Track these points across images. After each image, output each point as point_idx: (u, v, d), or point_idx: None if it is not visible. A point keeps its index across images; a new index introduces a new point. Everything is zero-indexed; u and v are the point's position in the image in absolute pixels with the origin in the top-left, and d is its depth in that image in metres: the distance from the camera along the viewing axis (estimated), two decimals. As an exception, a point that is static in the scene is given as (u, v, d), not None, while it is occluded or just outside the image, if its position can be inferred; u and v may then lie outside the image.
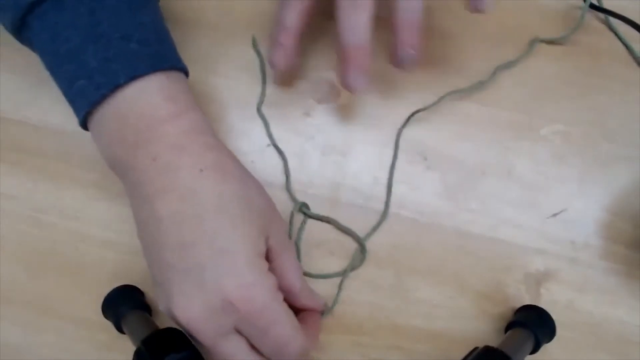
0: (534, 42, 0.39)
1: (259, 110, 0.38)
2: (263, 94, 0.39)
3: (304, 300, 0.32)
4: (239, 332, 0.28)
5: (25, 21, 0.29)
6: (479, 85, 0.38)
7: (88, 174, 0.37)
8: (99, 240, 0.36)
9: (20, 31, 0.31)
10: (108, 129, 0.29)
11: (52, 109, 0.39)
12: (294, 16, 0.33)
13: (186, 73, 0.32)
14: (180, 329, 0.29)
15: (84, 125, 0.30)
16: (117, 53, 0.28)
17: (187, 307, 0.27)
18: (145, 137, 0.28)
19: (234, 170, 0.30)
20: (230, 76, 0.39)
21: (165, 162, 0.28)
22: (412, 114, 0.38)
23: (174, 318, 0.28)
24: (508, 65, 0.39)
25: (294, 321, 0.29)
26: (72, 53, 0.29)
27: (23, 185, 0.37)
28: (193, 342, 0.29)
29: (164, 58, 0.30)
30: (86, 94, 0.29)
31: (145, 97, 0.29)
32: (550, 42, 0.39)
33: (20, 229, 0.37)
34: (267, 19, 0.40)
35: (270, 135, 0.38)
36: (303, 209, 0.36)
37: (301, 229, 0.36)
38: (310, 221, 0.37)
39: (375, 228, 0.36)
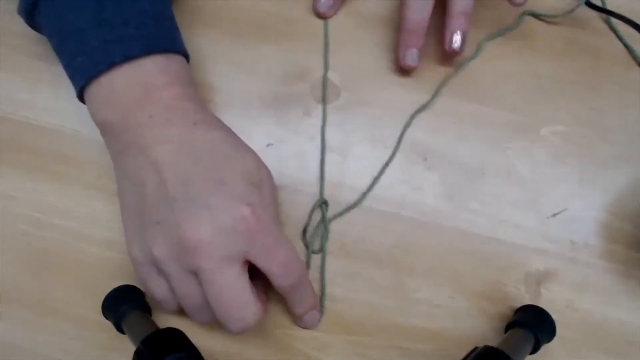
0: (523, 15, 0.40)
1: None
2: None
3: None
4: (245, 261, 0.29)
5: (38, 5, 0.33)
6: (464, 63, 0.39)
7: (87, 174, 0.37)
8: (99, 240, 0.36)
9: (33, 15, 0.33)
10: (104, 96, 0.31)
11: (52, 109, 0.39)
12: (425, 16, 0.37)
13: (186, 56, 0.34)
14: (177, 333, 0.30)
15: (81, 97, 0.33)
16: (117, 36, 0.31)
17: (196, 228, 0.28)
18: (140, 101, 0.31)
19: (223, 124, 0.33)
20: (230, 76, 0.39)
21: (160, 119, 0.31)
22: (417, 111, 0.38)
23: (182, 245, 0.28)
24: (494, 35, 0.40)
25: (292, 246, 0.31)
26: (76, 33, 0.31)
27: (23, 185, 0.37)
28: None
29: (159, 41, 0.32)
30: (85, 69, 0.31)
31: (141, 70, 0.31)
32: (540, 17, 0.40)
33: (20, 229, 0.37)
34: (267, 19, 0.40)
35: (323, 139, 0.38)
36: (323, 207, 0.36)
37: (318, 227, 0.37)
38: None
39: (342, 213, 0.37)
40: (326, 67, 0.39)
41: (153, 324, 0.32)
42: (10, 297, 0.36)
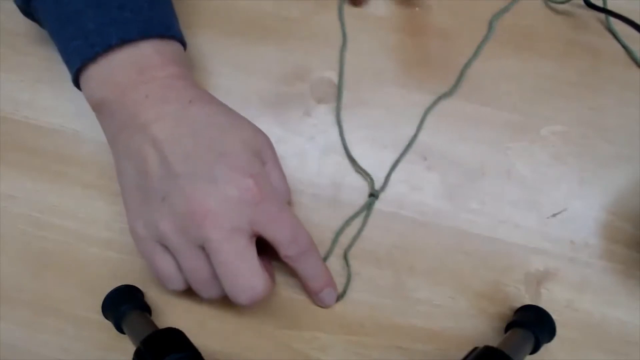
0: None
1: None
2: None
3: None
4: (253, 234, 0.30)
5: None
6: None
7: (87, 174, 0.37)
8: (99, 240, 0.36)
9: (29, 1, 0.33)
10: (100, 77, 0.32)
11: (52, 109, 0.39)
12: None
13: (182, 43, 0.35)
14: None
15: (76, 82, 0.33)
16: (113, 19, 0.31)
17: (203, 200, 0.29)
18: (136, 80, 0.31)
19: (217, 100, 0.33)
20: (230, 76, 0.39)
21: (157, 97, 0.31)
22: (437, 99, 0.38)
23: (189, 218, 0.29)
24: (501, 12, 0.40)
25: (296, 216, 0.32)
26: (72, 16, 0.31)
27: (23, 185, 0.37)
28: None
29: (155, 26, 0.32)
30: (81, 51, 0.31)
31: (137, 52, 0.32)
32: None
33: (20, 229, 0.37)
34: (267, 19, 0.40)
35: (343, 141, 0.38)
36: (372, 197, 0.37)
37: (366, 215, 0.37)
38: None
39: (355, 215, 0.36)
40: (342, 64, 0.39)
41: (153, 324, 0.32)
42: (10, 297, 0.36)
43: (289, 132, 0.38)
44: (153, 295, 0.36)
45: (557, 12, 0.41)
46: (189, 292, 0.35)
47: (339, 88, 0.39)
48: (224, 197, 0.29)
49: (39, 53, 0.39)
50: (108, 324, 0.33)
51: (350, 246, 0.36)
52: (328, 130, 0.38)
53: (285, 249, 0.31)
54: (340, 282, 0.36)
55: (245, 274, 0.29)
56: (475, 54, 0.39)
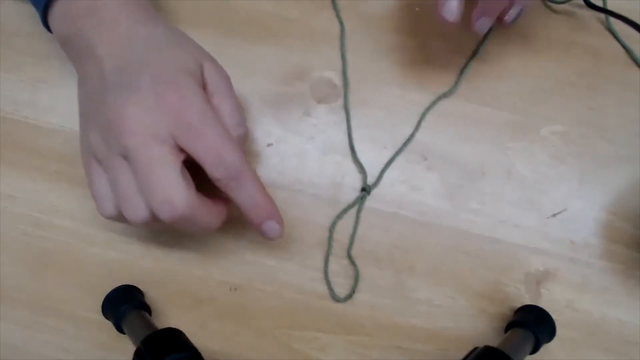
0: None
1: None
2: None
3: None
4: (178, 148, 0.29)
5: None
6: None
7: (88, 174, 0.37)
8: (99, 240, 0.36)
9: None
10: (61, 12, 0.33)
11: (52, 109, 0.39)
12: None
13: None
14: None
15: (46, 23, 0.34)
16: None
17: (122, 108, 0.28)
18: (91, 8, 0.32)
19: (166, 22, 0.33)
20: (230, 76, 0.39)
21: (107, 21, 0.31)
22: (437, 99, 0.38)
23: (110, 127, 0.28)
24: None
25: (229, 136, 0.30)
26: None
27: (23, 185, 0.37)
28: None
29: None
30: None
31: None
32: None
33: (20, 229, 0.37)
34: (267, 19, 0.40)
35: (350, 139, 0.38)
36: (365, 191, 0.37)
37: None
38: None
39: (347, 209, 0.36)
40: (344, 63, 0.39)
41: (153, 324, 0.32)
42: (10, 297, 0.36)
43: (289, 132, 0.38)
44: (153, 295, 0.36)
45: (557, 12, 0.41)
46: (189, 292, 0.35)
47: (344, 74, 0.39)
48: (143, 105, 0.29)
49: (39, 53, 0.39)
50: (108, 324, 0.33)
51: (350, 244, 0.36)
52: (328, 130, 0.38)
53: (211, 169, 0.29)
54: (345, 282, 0.36)
55: (161, 185, 0.28)
56: (475, 54, 0.39)
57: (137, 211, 0.29)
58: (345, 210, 0.37)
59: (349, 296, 0.35)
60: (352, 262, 0.36)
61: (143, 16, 0.32)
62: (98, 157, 0.30)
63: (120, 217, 0.30)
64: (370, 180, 0.37)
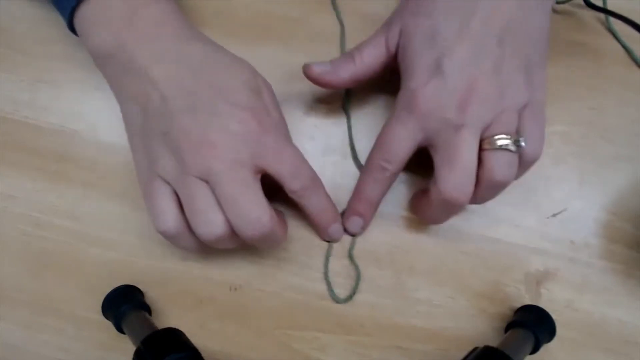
0: None
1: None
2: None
3: None
4: (256, 170, 0.30)
5: None
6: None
7: (88, 174, 0.37)
8: (99, 240, 0.36)
9: None
10: (92, 18, 0.32)
11: (52, 109, 0.39)
12: (378, 190, 0.34)
13: None
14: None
15: (71, 26, 0.33)
16: None
17: (206, 133, 0.29)
18: (129, 18, 0.31)
19: (212, 40, 0.34)
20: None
21: (152, 36, 0.31)
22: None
23: (192, 150, 0.29)
24: None
25: (299, 150, 0.32)
26: None
27: (23, 185, 0.37)
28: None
29: None
30: None
31: None
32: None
33: (20, 229, 0.37)
34: (267, 19, 0.40)
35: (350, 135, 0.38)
36: None
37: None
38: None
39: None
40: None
41: (153, 324, 0.32)
42: (10, 297, 0.36)
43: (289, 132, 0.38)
44: (153, 295, 0.36)
45: (557, 12, 0.41)
46: (189, 292, 0.35)
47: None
48: (226, 130, 0.30)
49: (39, 53, 0.39)
50: (108, 324, 0.33)
51: (352, 245, 0.36)
52: (328, 130, 0.38)
53: (290, 183, 0.31)
54: (345, 282, 0.36)
55: (250, 204, 0.29)
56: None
57: (214, 226, 0.30)
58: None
59: (349, 297, 0.35)
60: (354, 262, 0.36)
61: (187, 33, 0.32)
62: (168, 178, 0.30)
63: (176, 233, 0.31)
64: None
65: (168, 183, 0.30)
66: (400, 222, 0.37)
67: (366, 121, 0.38)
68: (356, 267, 0.36)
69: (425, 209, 0.34)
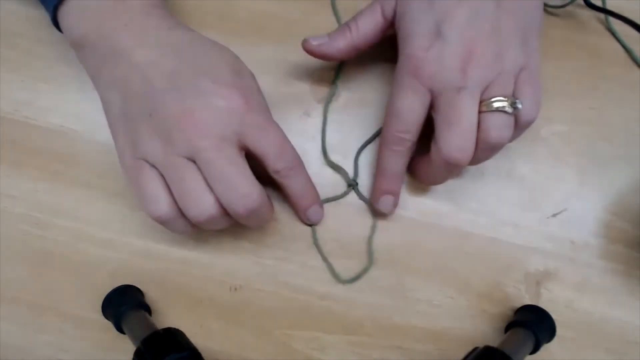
0: None
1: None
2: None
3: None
4: (241, 147, 0.30)
5: None
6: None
7: (88, 174, 0.37)
8: (99, 240, 0.36)
9: None
10: (77, 10, 0.32)
11: (52, 109, 0.39)
12: (402, 163, 0.34)
13: None
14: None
15: (55, 20, 0.33)
16: None
17: (191, 111, 0.29)
18: (114, 10, 0.32)
19: (194, 29, 0.33)
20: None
21: (136, 25, 0.31)
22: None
23: (178, 128, 0.29)
24: None
25: (280, 128, 0.32)
26: None
27: (23, 185, 0.37)
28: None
29: None
30: None
31: None
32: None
33: (20, 228, 0.37)
34: (267, 19, 0.40)
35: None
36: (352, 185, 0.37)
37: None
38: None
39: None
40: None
41: (153, 324, 0.32)
42: (10, 297, 0.36)
43: (289, 132, 0.38)
44: (153, 295, 0.36)
45: (557, 12, 0.41)
46: (189, 292, 0.35)
47: (336, 76, 0.39)
48: (210, 107, 0.29)
49: (39, 53, 0.39)
50: (108, 324, 0.33)
51: (372, 233, 0.36)
52: (328, 130, 0.38)
53: (273, 163, 0.31)
54: (350, 269, 0.36)
55: (239, 181, 0.29)
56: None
57: (206, 207, 0.29)
58: (328, 200, 0.37)
59: (354, 279, 0.35)
60: (370, 251, 0.36)
61: (171, 22, 0.33)
62: (153, 160, 0.30)
63: (171, 218, 0.30)
64: (367, 183, 0.37)
65: (154, 166, 0.30)
66: (400, 222, 0.37)
67: (367, 121, 0.38)
68: (371, 254, 0.36)
69: (426, 170, 0.34)
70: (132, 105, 0.31)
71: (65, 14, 0.33)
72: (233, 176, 0.29)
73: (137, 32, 0.31)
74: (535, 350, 0.32)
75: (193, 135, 0.29)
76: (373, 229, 0.36)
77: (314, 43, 0.35)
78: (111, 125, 0.32)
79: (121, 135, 0.31)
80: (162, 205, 0.30)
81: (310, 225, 0.36)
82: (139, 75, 0.30)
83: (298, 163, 0.33)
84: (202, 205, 0.29)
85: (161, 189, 0.30)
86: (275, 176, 0.32)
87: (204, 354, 0.29)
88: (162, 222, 0.30)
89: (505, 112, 0.30)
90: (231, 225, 0.32)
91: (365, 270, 0.36)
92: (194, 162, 0.29)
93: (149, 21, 0.32)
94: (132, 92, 0.30)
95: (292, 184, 0.33)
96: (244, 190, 0.29)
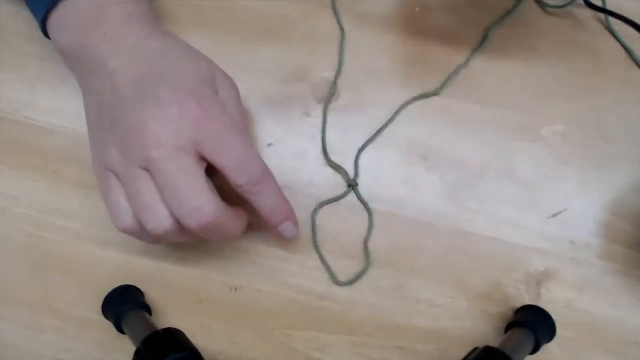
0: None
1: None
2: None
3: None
4: (200, 157, 0.29)
5: None
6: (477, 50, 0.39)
7: (88, 174, 0.37)
8: (99, 240, 0.36)
9: None
10: (62, 21, 0.32)
11: (52, 109, 0.39)
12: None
13: None
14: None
15: (44, 30, 0.33)
16: None
17: (144, 121, 0.28)
18: (95, 19, 0.32)
19: (177, 37, 0.33)
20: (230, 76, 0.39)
21: (115, 34, 0.31)
22: (420, 95, 0.38)
23: (131, 139, 0.28)
24: (500, 21, 0.40)
25: (251, 144, 0.31)
26: None
27: (23, 185, 0.37)
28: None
29: None
30: (44, 0, 0.32)
31: None
32: (542, 5, 0.40)
33: (21, 228, 0.37)
34: (267, 19, 0.40)
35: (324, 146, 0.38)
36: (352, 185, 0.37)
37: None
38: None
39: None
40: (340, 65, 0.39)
41: (153, 324, 0.32)
42: (10, 297, 0.36)
43: (289, 132, 0.38)
44: (153, 295, 0.36)
45: (557, 11, 0.41)
46: (189, 292, 0.35)
47: (336, 77, 0.39)
48: (165, 116, 0.28)
49: (39, 53, 0.39)
50: (108, 324, 0.33)
51: (367, 235, 0.36)
52: (328, 130, 0.38)
53: (235, 176, 0.29)
54: (350, 271, 0.36)
55: (191, 193, 0.28)
56: (470, 57, 0.39)
57: (161, 221, 0.28)
58: (329, 201, 0.37)
59: (352, 281, 0.35)
60: (366, 252, 0.36)
61: (151, 29, 0.32)
62: (115, 170, 0.29)
63: (136, 230, 0.30)
64: (367, 182, 0.37)
65: (117, 176, 0.30)
66: (400, 222, 0.37)
67: (368, 121, 0.38)
68: (367, 256, 0.36)
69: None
70: (102, 114, 0.31)
71: (53, 24, 0.33)
72: (182, 188, 0.28)
73: (113, 40, 0.31)
74: (535, 350, 0.32)
75: (145, 144, 0.28)
76: (369, 230, 0.36)
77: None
78: (88, 130, 0.32)
79: (93, 144, 0.31)
80: (126, 217, 0.29)
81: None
82: (109, 83, 0.30)
83: (263, 178, 0.30)
84: (157, 218, 0.28)
85: (124, 201, 0.29)
86: (238, 191, 0.30)
87: (204, 354, 0.29)
88: (129, 233, 0.30)
89: None
90: (198, 241, 0.31)
91: (363, 272, 0.36)
92: (150, 171, 0.28)
93: (128, 29, 0.32)
94: (104, 100, 0.30)
95: (258, 200, 0.31)
96: (196, 204, 0.28)
